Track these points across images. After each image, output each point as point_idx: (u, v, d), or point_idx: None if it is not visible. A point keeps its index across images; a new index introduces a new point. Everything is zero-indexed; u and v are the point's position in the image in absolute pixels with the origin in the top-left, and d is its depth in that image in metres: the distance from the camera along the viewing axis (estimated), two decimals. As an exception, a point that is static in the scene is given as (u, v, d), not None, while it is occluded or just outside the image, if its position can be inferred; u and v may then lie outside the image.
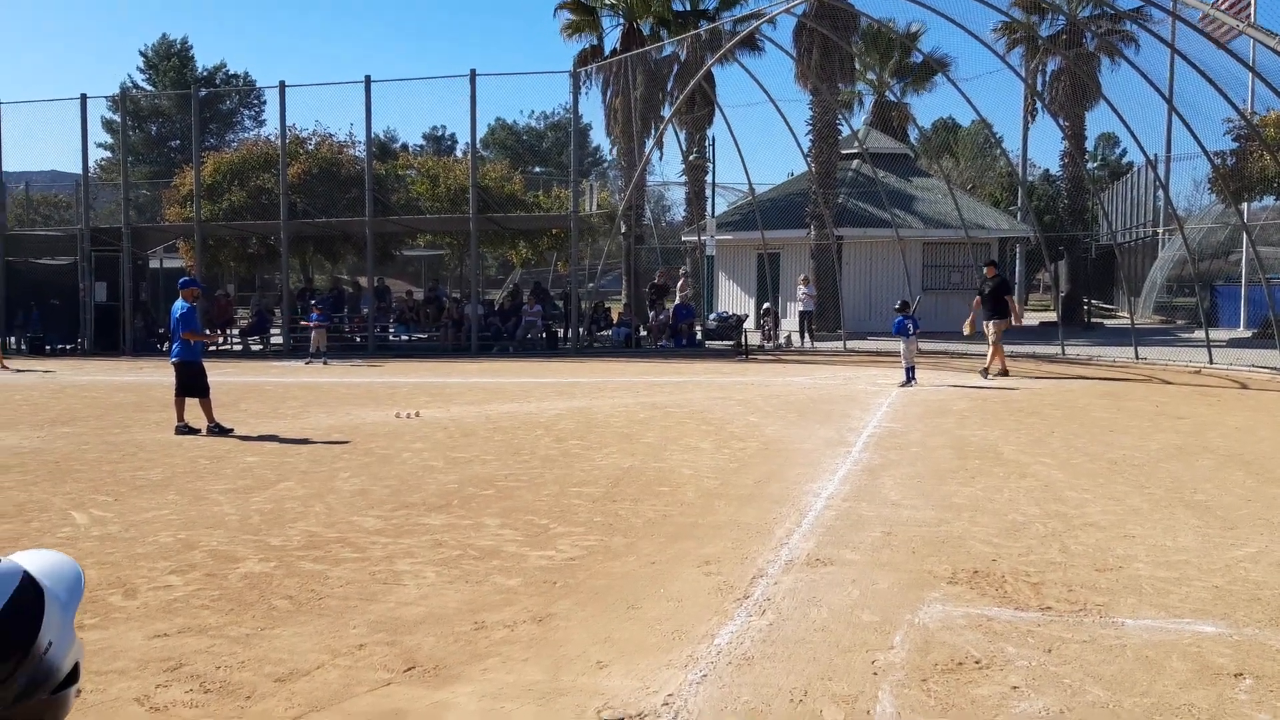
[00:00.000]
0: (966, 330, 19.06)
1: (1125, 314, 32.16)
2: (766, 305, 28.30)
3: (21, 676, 1.41)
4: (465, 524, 7.47)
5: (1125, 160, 61.88)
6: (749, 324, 27.80)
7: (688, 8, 34.06)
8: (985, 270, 19.23)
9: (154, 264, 34.20)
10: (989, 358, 18.51)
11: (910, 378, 16.85)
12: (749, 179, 29.78)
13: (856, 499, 8.23)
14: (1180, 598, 5.61)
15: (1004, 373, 18.31)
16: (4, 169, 29.49)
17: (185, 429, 12.18)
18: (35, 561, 1.52)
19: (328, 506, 8.11)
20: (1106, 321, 36.26)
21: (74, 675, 1.50)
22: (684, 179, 37.47)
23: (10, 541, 6.99)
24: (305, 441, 11.59)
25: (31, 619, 1.42)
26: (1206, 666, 4.60)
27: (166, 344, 28.18)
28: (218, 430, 12.14)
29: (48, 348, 27.80)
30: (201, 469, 9.86)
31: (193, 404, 12.34)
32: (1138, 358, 21.19)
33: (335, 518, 7.71)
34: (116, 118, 43.74)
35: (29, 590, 1.44)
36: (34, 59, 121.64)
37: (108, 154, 59.55)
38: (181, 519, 7.69)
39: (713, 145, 31.61)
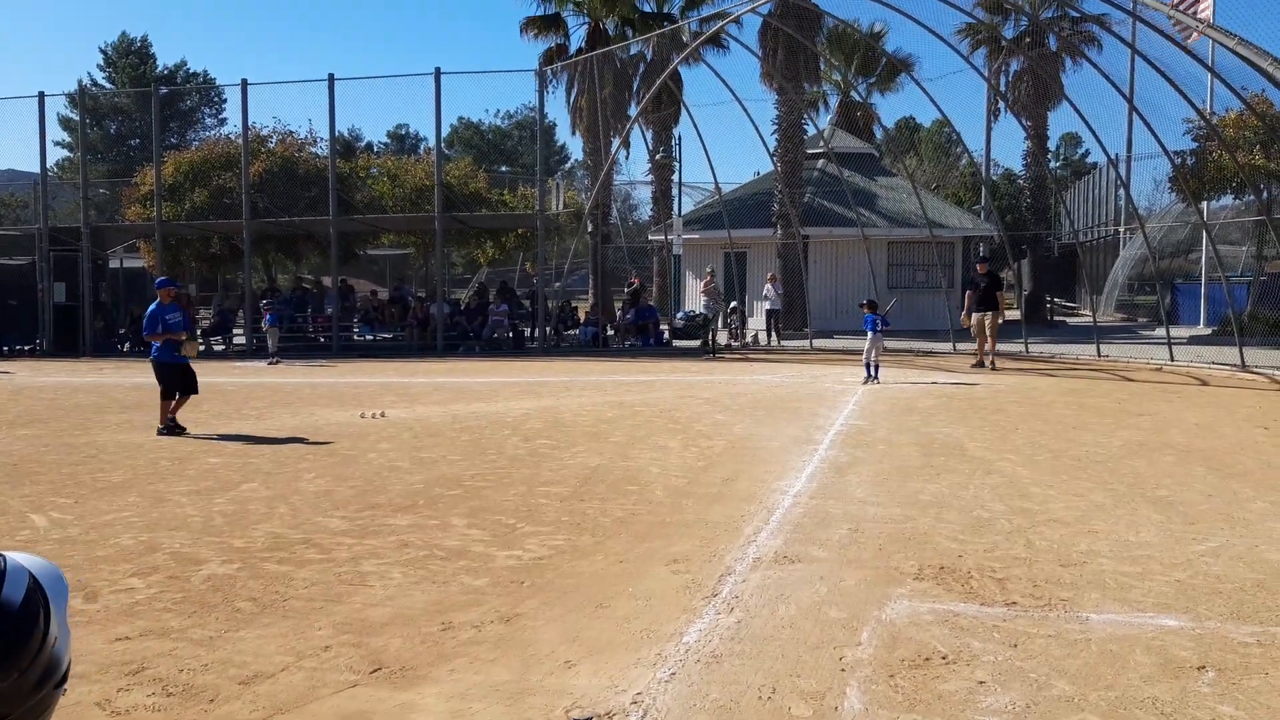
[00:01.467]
0: (964, 322, 20.16)
1: (1087, 312, 32.52)
2: (734, 304, 28.36)
3: (39, 667, 1.42)
4: (432, 524, 7.42)
5: (1088, 160, 62.56)
6: (716, 323, 27.82)
7: (653, 8, 34.08)
8: (978, 267, 20.29)
9: (114, 264, 33.79)
10: (989, 347, 19.61)
11: (873, 375, 16.95)
12: (715, 178, 29.90)
13: (824, 496, 8.25)
14: (1143, 592, 5.67)
15: (980, 364, 19.17)
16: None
17: (173, 427, 12.06)
18: (21, 561, 1.53)
19: (292, 508, 8.03)
20: (1069, 319, 36.62)
21: (65, 674, 1.51)
22: (650, 178, 37.48)
23: (-34, 545, 6.87)
24: (269, 442, 11.48)
25: (45, 610, 1.44)
26: (1170, 660, 4.64)
27: (125, 344, 27.94)
28: (170, 427, 12.07)
29: (5, 349, 27.38)
30: (163, 470, 9.74)
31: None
32: (1100, 355, 21.41)
33: (300, 519, 7.64)
34: (75, 115, 43.09)
35: (36, 583, 1.45)
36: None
37: (66, 153, 58.71)
38: (143, 521, 7.58)
39: (679, 144, 31.61)
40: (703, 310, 27.80)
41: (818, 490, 8.50)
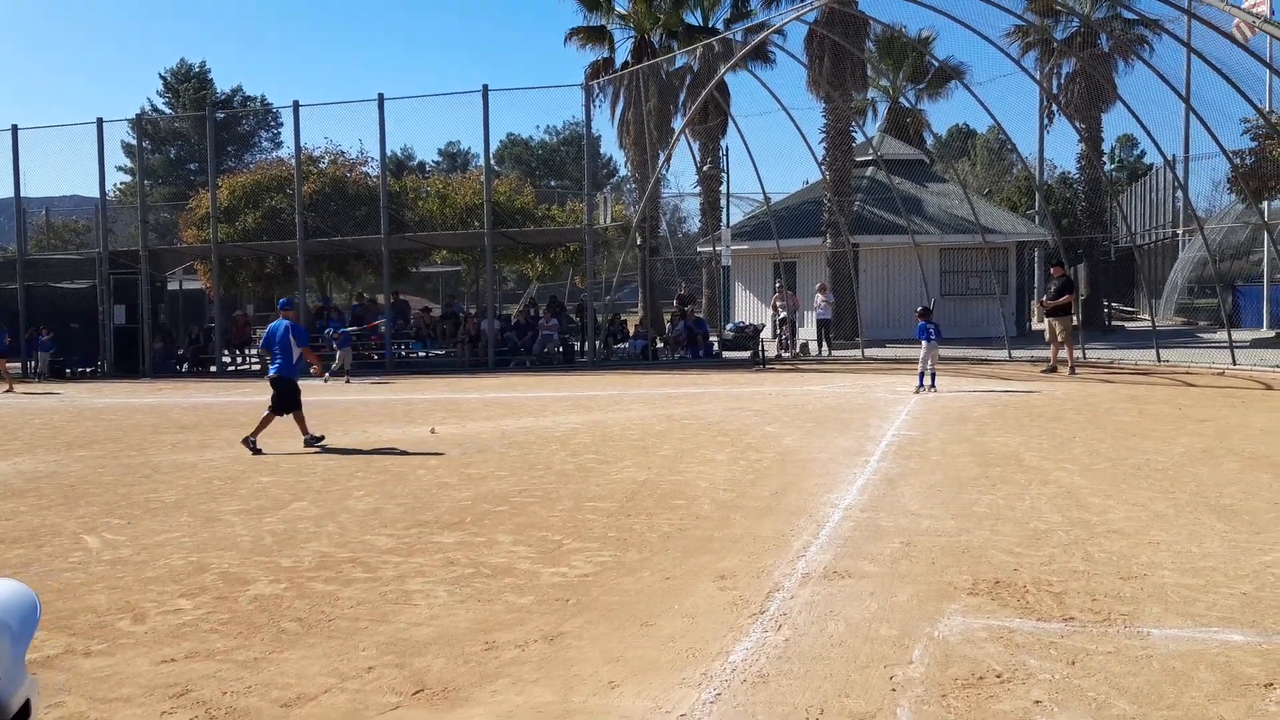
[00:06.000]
0: (1034, 324, 20.63)
1: (1146, 316, 31.90)
2: (784, 314, 28.16)
3: None
4: (478, 541, 7.39)
5: (1145, 160, 61.45)
6: (765, 333, 27.65)
7: (698, 21, 34.07)
8: (1052, 270, 20.39)
9: (173, 286, 34.40)
10: (1067, 355, 19.70)
11: (927, 383, 16.76)
12: (763, 188, 29.68)
13: (875, 509, 8.10)
14: (1207, 605, 5.47)
15: (1052, 369, 19.10)
16: (27, 194, 29.74)
17: (253, 446, 12.24)
18: None
19: (340, 526, 8.05)
20: (1127, 324, 35.95)
21: (25, 712, 1.44)
22: (698, 190, 37.42)
23: (21, 567, 6.94)
24: (320, 459, 11.55)
25: None
26: (1235, 677, 4.46)
27: (183, 365, 28.38)
28: (315, 441, 12.56)
29: (67, 370, 27.95)
30: (215, 490, 9.83)
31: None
32: (1160, 360, 20.96)
33: (348, 537, 7.65)
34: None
35: None
36: (57, 84, 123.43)
37: (128, 177, 60.00)
38: (194, 541, 7.64)
39: (726, 155, 31.56)
40: (782, 315, 27.53)
41: (869, 503, 8.35)
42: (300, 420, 12.69)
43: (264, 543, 7.54)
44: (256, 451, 12.13)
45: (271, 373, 12.87)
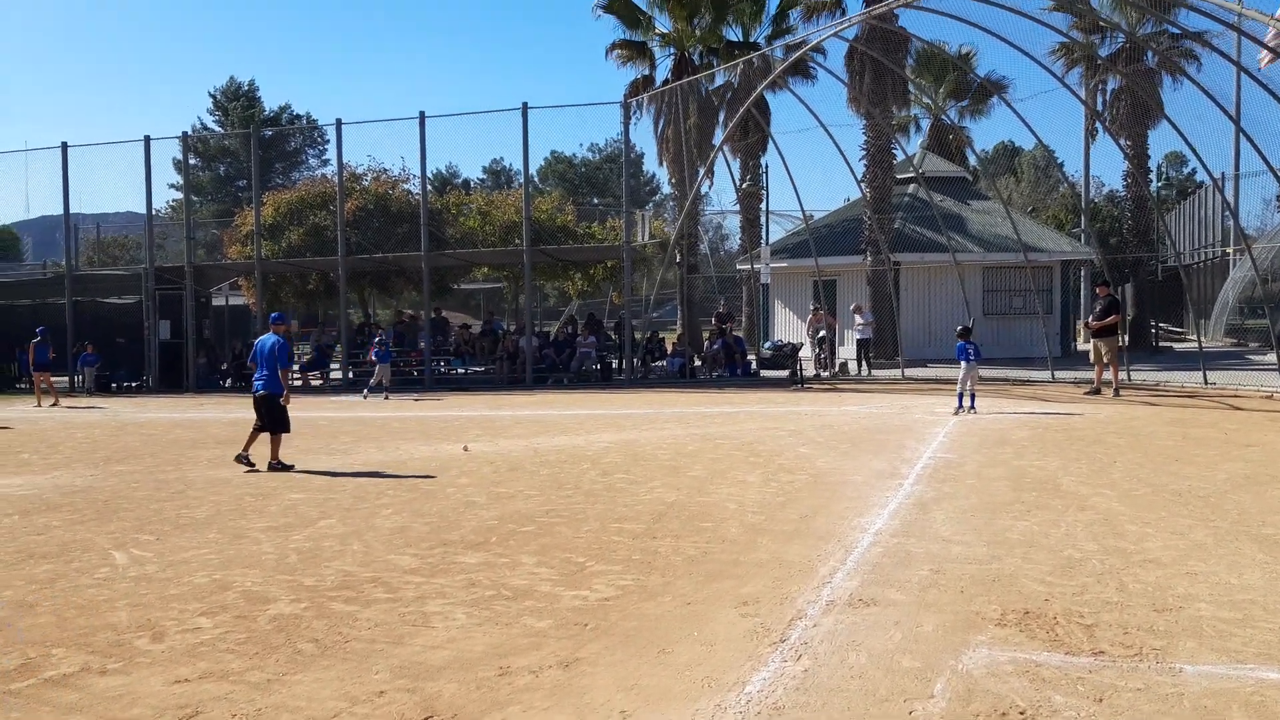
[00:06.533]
0: (1082, 344, 20.53)
1: (1194, 337, 31.30)
2: (823, 333, 27.94)
3: None
4: (501, 562, 7.34)
5: (1196, 177, 60.48)
6: (804, 353, 27.45)
7: (738, 37, 34.06)
8: (1097, 290, 20.18)
9: (219, 301, 34.84)
10: (1112, 377, 19.32)
11: (967, 404, 16.52)
12: (802, 206, 29.46)
13: (905, 534, 7.96)
14: (1244, 641, 5.29)
15: (1096, 391, 19.19)
16: (79, 211, 30.30)
17: (280, 466, 12.25)
18: None
19: (365, 545, 8.03)
20: (1175, 345, 35.31)
21: None
22: (738, 207, 37.34)
23: (47, 583, 6.99)
24: (351, 477, 11.57)
25: None
26: (1270, 717, 4.29)
27: (227, 380, 28.69)
28: (246, 461, 12.29)
29: (113, 385, 28.36)
30: (246, 507, 9.86)
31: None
32: (1206, 382, 20.52)
33: (372, 556, 7.63)
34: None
35: None
36: (112, 103, 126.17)
37: (178, 194, 60.90)
38: (220, 558, 7.66)
39: (766, 173, 31.42)
40: (819, 337, 27.32)
41: (900, 528, 8.21)
42: (254, 438, 12.52)
43: (288, 561, 7.54)
44: (287, 468, 12.19)
45: (257, 390, 12.64)
